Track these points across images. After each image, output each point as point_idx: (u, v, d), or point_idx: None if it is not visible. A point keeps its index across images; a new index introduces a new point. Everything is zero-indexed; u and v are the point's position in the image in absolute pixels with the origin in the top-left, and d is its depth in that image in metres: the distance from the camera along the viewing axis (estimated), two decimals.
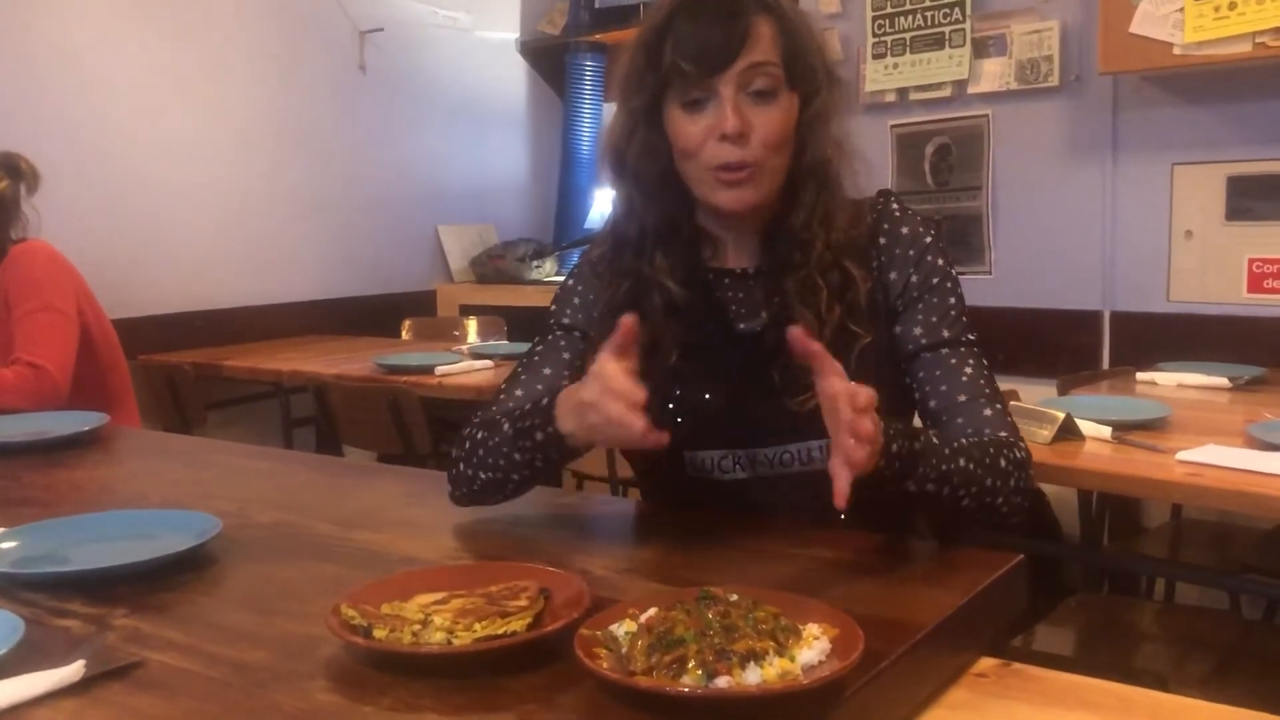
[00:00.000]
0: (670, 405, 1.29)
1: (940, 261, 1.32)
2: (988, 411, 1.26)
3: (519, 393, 1.36)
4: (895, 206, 1.35)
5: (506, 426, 1.25)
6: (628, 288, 1.32)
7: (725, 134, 1.22)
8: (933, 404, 1.29)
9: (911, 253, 1.31)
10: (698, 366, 1.30)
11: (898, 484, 1.10)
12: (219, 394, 3.54)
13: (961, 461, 1.15)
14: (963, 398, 1.27)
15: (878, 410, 1.04)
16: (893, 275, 1.31)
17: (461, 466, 1.30)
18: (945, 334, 1.30)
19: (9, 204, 2.48)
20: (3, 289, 2.41)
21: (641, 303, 1.31)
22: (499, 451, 1.25)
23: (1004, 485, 1.20)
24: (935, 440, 1.15)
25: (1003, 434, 1.25)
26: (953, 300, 1.32)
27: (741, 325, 1.32)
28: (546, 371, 1.37)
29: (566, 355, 1.38)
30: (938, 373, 1.29)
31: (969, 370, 1.28)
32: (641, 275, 1.31)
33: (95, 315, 2.54)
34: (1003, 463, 1.20)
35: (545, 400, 1.20)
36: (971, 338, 1.31)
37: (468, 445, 1.29)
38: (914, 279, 1.31)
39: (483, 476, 1.28)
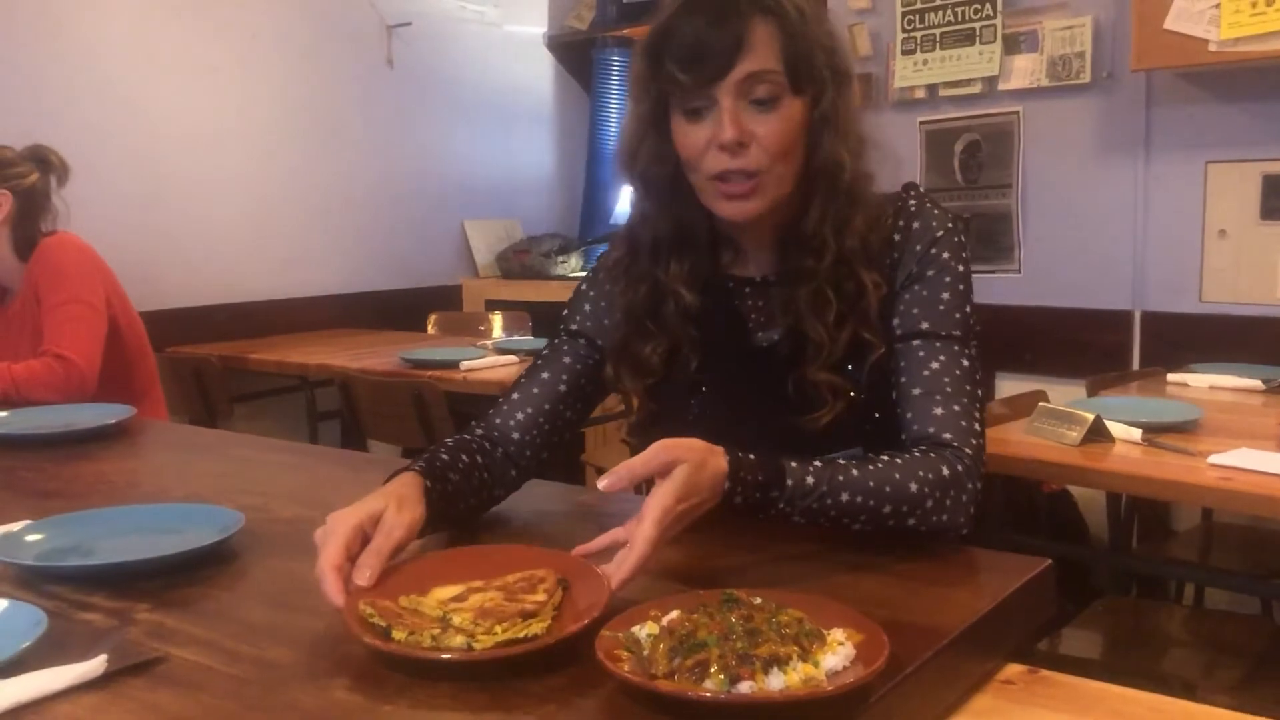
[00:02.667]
0: (688, 412, 1.28)
1: (945, 255, 1.26)
2: (938, 410, 1.20)
3: (515, 396, 1.36)
4: (913, 202, 1.29)
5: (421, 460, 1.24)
6: (645, 293, 1.30)
7: (723, 145, 1.19)
8: (894, 395, 1.24)
9: (919, 247, 1.26)
10: (717, 377, 1.29)
11: (753, 516, 1.08)
12: (245, 387, 3.56)
13: (845, 496, 1.10)
14: (917, 391, 1.21)
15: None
16: (900, 270, 1.27)
17: None
18: (923, 325, 1.24)
19: (39, 197, 2.50)
20: (32, 281, 2.43)
21: (659, 309, 1.30)
22: None
23: (914, 509, 1.13)
24: (810, 480, 1.09)
25: (946, 435, 1.19)
26: (946, 295, 1.25)
27: (759, 334, 1.30)
28: (545, 376, 1.37)
29: (567, 360, 1.38)
30: (903, 364, 1.24)
31: (935, 365, 1.22)
32: (658, 281, 1.29)
33: (123, 307, 2.55)
34: (913, 486, 1.12)
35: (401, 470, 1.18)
36: (956, 333, 1.24)
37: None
38: (914, 270, 1.26)
39: None
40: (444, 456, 1.23)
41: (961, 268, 1.27)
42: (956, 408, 1.20)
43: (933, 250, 1.26)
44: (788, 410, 1.24)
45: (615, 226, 4.64)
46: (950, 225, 1.28)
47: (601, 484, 1.00)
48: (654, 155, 1.27)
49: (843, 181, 1.24)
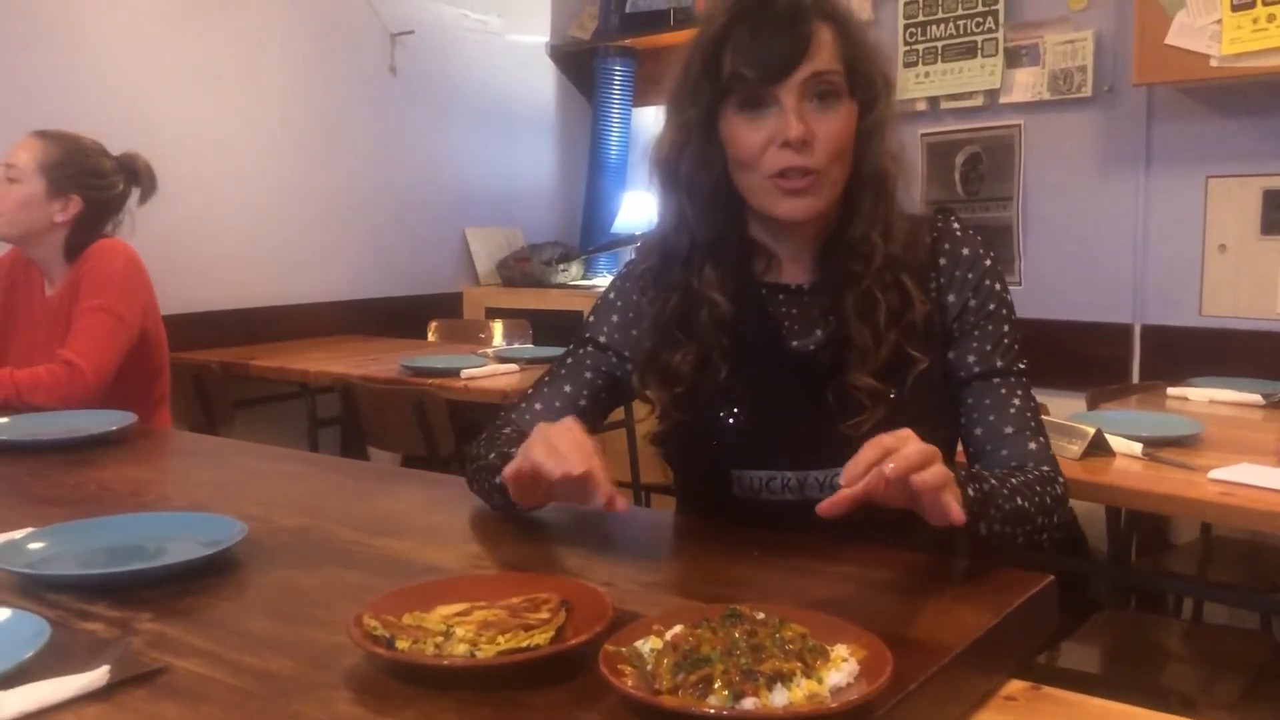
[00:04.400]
0: (719, 421, 1.28)
1: (998, 286, 1.31)
2: (1032, 445, 1.27)
3: (538, 406, 1.38)
4: (956, 226, 1.33)
5: (493, 455, 1.28)
6: (676, 302, 1.31)
7: (789, 141, 1.19)
8: (978, 432, 1.28)
9: (970, 276, 1.30)
10: (749, 384, 1.29)
11: (971, 526, 1.10)
12: (246, 393, 3.55)
13: (1019, 500, 1.17)
14: (1009, 430, 1.27)
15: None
16: (951, 297, 1.29)
17: (471, 467, 1.35)
18: (998, 363, 1.29)
19: (112, 208, 2.53)
20: (77, 279, 2.42)
21: (690, 318, 1.30)
22: (483, 475, 1.30)
23: (1048, 522, 1.21)
24: (994, 481, 1.16)
25: (1045, 469, 1.25)
26: (1007, 328, 1.30)
27: (795, 343, 1.31)
28: (567, 389, 1.38)
29: (588, 375, 1.39)
30: (987, 402, 1.28)
31: (1017, 402, 1.28)
32: (690, 289, 1.30)
33: (155, 322, 2.55)
34: (1048, 499, 1.21)
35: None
36: (1022, 366, 1.30)
37: (478, 449, 1.33)
38: (972, 303, 1.29)
39: (474, 487, 1.34)
40: (515, 436, 1.28)
41: (1009, 297, 1.32)
42: (1043, 439, 1.28)
43: (986, 281, 1.30)
44: (825, 418, 1.24)
45: (617, 235, 4.66)
46: (991, 254, 1.32)
47: (821, 508, 1.00)
48: (700, 160, 1.27)
49: (888, 190, 1.27)
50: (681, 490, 1.46)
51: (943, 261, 1.30)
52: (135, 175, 2.56)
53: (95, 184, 2.49)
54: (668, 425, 1.33)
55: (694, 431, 1.31)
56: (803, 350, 1.30)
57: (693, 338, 1.30)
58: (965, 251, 1.31)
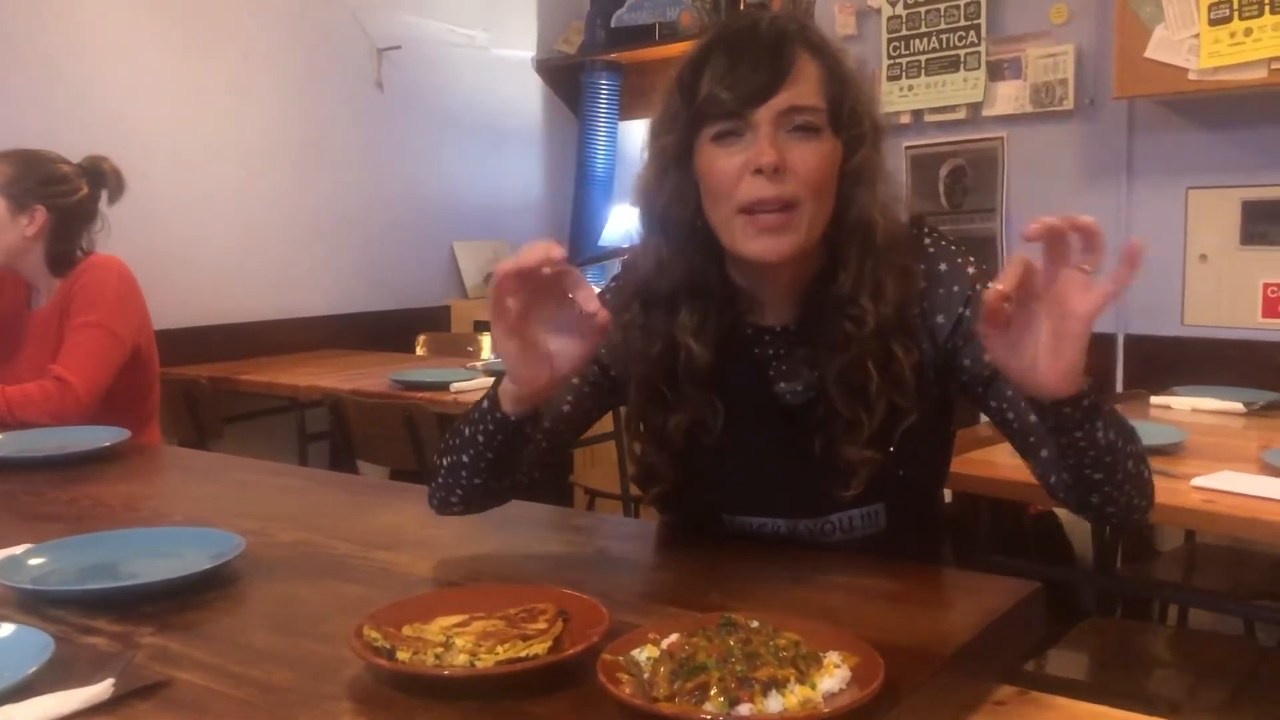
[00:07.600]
0: (711, 474, 1.26)
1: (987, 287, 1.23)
2: None
3: None
4: (929, 242, 1.26)
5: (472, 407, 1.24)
6: (660, 352, 1.24)
7: (761, 167, 1.12)
8: (1033, 419, 1.16)
9: (956, 289, 1.23)
10: (739, 435, 1.25)
11: (1088, 421, 1.04)
12: (235, 407, 3.56)
13: (1129, 437, 1.11)
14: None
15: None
16: (940, 319, 1.22)
17: (436, 458, 1.29)
18: None
19: (81, 214, 2.48)
20: (68, 295, 2.40)
21: (674, 369, 1.24)
22: (459, 432, 1.24)
23: (1145, 456, 1.14)
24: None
25: None
26: None
27: (782, 384, 1.26)
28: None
29: (574, 380, 1.32)
30: (1009, 394, 1.20)
31: None
32: (673, 339, 1.23)
33: (148, 338, 2.54)
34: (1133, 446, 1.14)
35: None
36: None
37: (444, 439, 1.29)
38: (967, 314, 1.22)
39: (444, 462, 1.26)
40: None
41: None
42: None
43: (977, 287, 1.22)
44: (813, 472, 1.21)
45: (604, 248, 4.68)
46: (973, 259, 1.26)
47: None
48: (675, 194, 1.21)
49: (875, 242, 1.20)
50: (669, 521, 1.43)
51: (923, 283, 1.23)
52: (100, 177, 2.51)
53: (57, 191, 2.45)
54: (664, 488, 1.29)
55: (686, 485, 1.28)
56: (789, 394, 1.25)
57: (679, 392, 1.24)
58: (943, 267, 1.24)
